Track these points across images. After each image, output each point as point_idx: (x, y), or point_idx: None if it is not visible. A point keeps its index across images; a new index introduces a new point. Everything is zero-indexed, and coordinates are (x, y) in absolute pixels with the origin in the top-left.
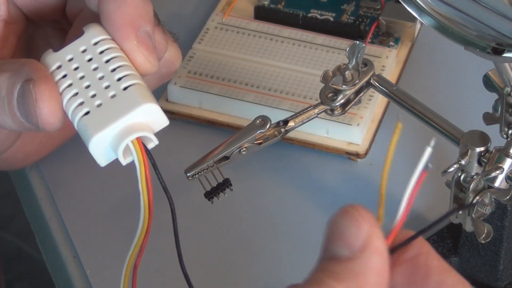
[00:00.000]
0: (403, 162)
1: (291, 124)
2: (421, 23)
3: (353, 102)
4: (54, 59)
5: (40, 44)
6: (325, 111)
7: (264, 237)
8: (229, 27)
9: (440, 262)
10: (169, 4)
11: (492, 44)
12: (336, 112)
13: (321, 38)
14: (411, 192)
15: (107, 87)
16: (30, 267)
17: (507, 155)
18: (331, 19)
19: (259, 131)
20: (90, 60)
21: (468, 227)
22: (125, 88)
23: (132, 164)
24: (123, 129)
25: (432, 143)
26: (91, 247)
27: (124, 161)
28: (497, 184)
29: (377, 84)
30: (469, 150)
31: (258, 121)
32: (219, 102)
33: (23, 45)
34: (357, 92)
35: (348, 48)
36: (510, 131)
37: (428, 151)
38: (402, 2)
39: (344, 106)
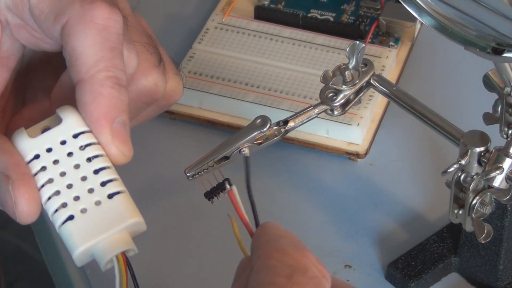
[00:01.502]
0: (403, 162)
1: (291, 124)
2: (421, 23)
3: (353, 102)
4: (31, 146)
5: (36, 75)
6: (325, 111)
7: None
8: (229, 27)
9: None
10: (169, 4)
11: (492, 44)
12: (336, 112)
13: (321, 38)
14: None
15: (90, 190)
16: (30, 267)
17: (507, 155)
18: (331, 19)
19: (259, 131)
20: (70, 154)
21: (468, 227)
22: (110, 196)
23: (134, 161)
24: (109, 242)
25: None
26: None
27: (104, 268)
28: (497, 184)
29: (377, 84)
30: (469, 150)
31: (258, 121)
32: (219, 102)
33: (18, 74)
34: (357, 92)
35: (348, 48)
36: (510, 131)
37: None
38: (402, 2)
39: (344, 106)
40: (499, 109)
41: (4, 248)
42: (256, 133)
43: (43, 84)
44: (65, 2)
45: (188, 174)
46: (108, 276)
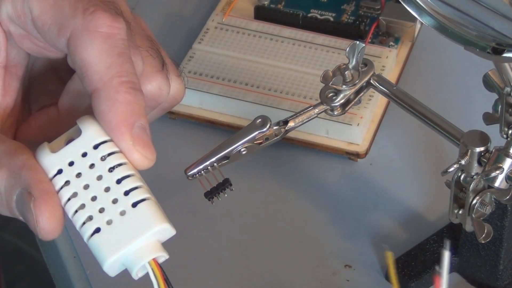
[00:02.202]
0: (403, 162)
1: (291, 124)
2: (421, 23)
3: (353, 102)
4: (53, 162)
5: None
6: (325, 111)
7: (264, 237)
8: (229, 27)
9: None
10: (169, 4)
11: (492, 44)
12: (336, 112)
13: (321, 38)
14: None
15: (114, 201)
16: (30, 267)
17: (507, 155)
18: (331, 19)
19: (259, 131)
20: (92, 166)
21: (468, 227)
22: (134, 205)
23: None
24: (138, 251)
25: None
26: None
27: (136, 277)
28: (497, 184)
29: (377, 84)
30: (469, 150)
31: (258, 121)
32: (219, 102)
33: (24, 84)
34: (357, 92)
35: (348, 48)
36: (510, 131)
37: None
38: (402, 2)
39: (344, 106)
40: (499, 109)
41: (4, 248)
42: (256, 133)
43: (45, 88)
44: (67, 14)
45: (188, 174)
46: (108, 276)
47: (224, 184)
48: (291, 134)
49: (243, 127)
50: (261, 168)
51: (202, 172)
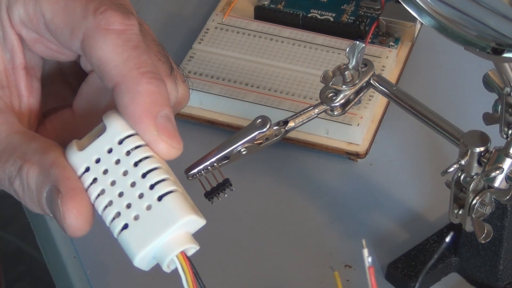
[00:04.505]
0: (403, 162)
1: (291, 124)
2: (421, 23)
3: (353, 102)
4: (81, 160)
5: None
6: (325, 111)
7: (264, 237)
8: (229, 27)
9: None
10: (169, 4)
11: (492, 44)
12: (336, 112)
13: (321, 38)
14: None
15: (140, 195)
16: (30, 267)
17: (507, 155)
18: (331, 19)
19: (259, 131)
20: (118, 161)
21: (468, 227)
22: (159, 198)
23: None
24: (166, 244)
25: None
26: (91, 247)
27: (168, 270)
28: (497, 184)
29: (377, 84)
30: (469, 150)
31: (258, 121)
32: (219, 102)
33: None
34: (357, 92)
35: (348, 48)
36: (510, 131)
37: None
38: (402, 2)
39: (344, 106)
40: (499, 109)
41: (4, 248)
42: (256, 133)
43: (53, 90)
44: (79, 16)
45: (188, 174)
46: (108, 276)
47: (224, 184)
48: (291, 134)
49: (243, 127)
50: (261, 168)
51: (202, 172)
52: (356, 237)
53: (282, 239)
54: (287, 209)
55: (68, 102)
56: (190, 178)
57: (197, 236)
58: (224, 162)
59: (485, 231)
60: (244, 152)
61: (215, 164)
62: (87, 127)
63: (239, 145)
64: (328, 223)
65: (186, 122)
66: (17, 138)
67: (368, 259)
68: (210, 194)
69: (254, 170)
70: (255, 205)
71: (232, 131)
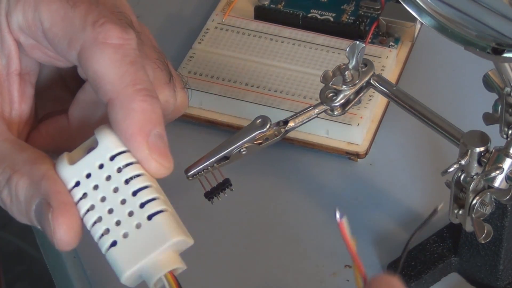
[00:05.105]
0: (403, 162)
1: (291, 124)
2: (421, 23)
3: (353, 102)
4: (71, 174)
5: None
6: (325, 111)
7: (264, 237)
8: (229, 27)
9: None
10: (169, 4)
11: (492, 44)
12: (336, 112)
13: (321, 38)
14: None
15: (130, 213)
16: (30, 267)
17: (507, 155)
18: (331, 19)
19: (259, 131)
20: (108, 178)
21: (468, 227)
22: (149, 217)
23: None
24: (154, 263)
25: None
26: (91, 247)
27: None
28: (497, 184)
29: (377, 84)
30: (469, 150)
31: (258, 121)
32: (219, 102)
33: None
34: (357, 92)
35: (348, 48)
36: (510, 131)
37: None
38: (402, 2)
39: (344, 106)
40: (499, 109)
41: (4, 248)
42: (256, 133)
43: (52, 95)
44: (77, 27)
45: (188, 174)
46: (108, 276)
47: (224, 184)
48: (291, 134)
49: (243, 127)
50: (261, 168)
51: (202, 172)
52: (356, 237)
53: (282, 239)
54: (287, 209)
55: (66, 106)
56: (190, 178)
57: (197, 236)
58: (224, 162)
59: (485, 231)
60: (244, 152)
61: (215, 164)
62: (81, 135)
63: (239, 145)
64: (328, 223)
65: (186, 122)
66: (6, 147)
67: (337, 215)
68: (210, 194)
69: (254, 170)
70: (255, 205)
71: (232, 131)
